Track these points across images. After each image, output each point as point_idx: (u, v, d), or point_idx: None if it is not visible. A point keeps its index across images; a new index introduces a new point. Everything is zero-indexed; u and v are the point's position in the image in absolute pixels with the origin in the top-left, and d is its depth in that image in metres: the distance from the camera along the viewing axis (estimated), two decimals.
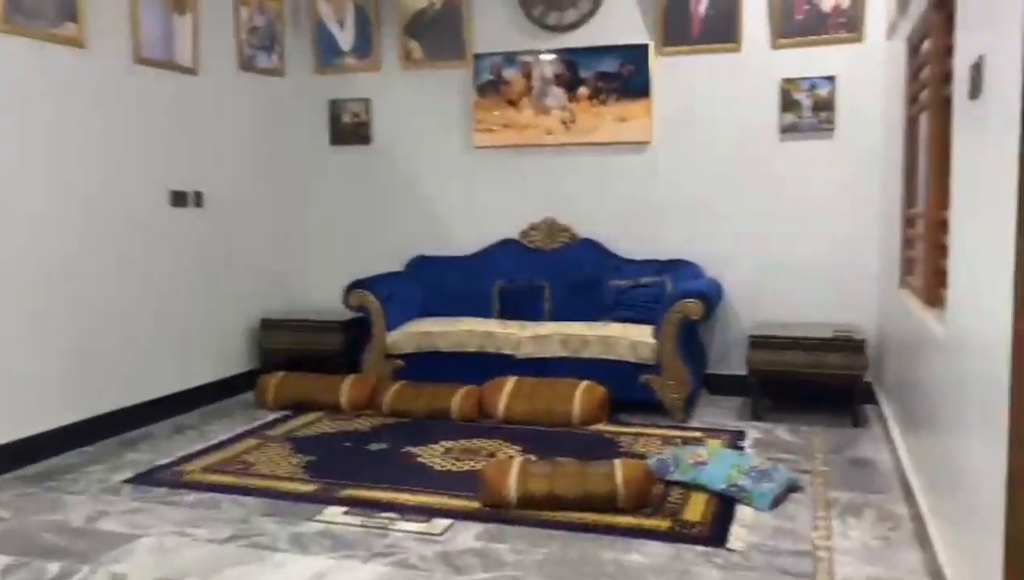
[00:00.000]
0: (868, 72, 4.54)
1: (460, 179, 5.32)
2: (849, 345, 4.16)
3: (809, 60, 4.63)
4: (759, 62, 4.71)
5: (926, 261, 3.02)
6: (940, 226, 2.80)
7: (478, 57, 5.17)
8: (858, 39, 4.53)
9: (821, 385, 4.30)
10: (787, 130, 4.69)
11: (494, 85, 5.16)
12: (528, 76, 5.10)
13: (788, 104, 4.67)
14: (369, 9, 5.35)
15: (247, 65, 5.10)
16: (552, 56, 5.04)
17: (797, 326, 4.51)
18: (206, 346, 4.83)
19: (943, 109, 2.80)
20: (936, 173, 2.95)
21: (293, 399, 4.62)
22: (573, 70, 5.01)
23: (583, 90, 5.00)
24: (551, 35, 5.06)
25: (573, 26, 5.01)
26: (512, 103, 5.14)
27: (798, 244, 4.74)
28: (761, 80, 4.72)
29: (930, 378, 2.79)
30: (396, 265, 5.37)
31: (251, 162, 5.18)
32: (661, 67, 4.86)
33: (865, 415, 4.25)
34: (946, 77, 2.77)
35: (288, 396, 4.64)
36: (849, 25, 4.52)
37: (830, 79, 4.59)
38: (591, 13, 4.96)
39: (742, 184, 4.80)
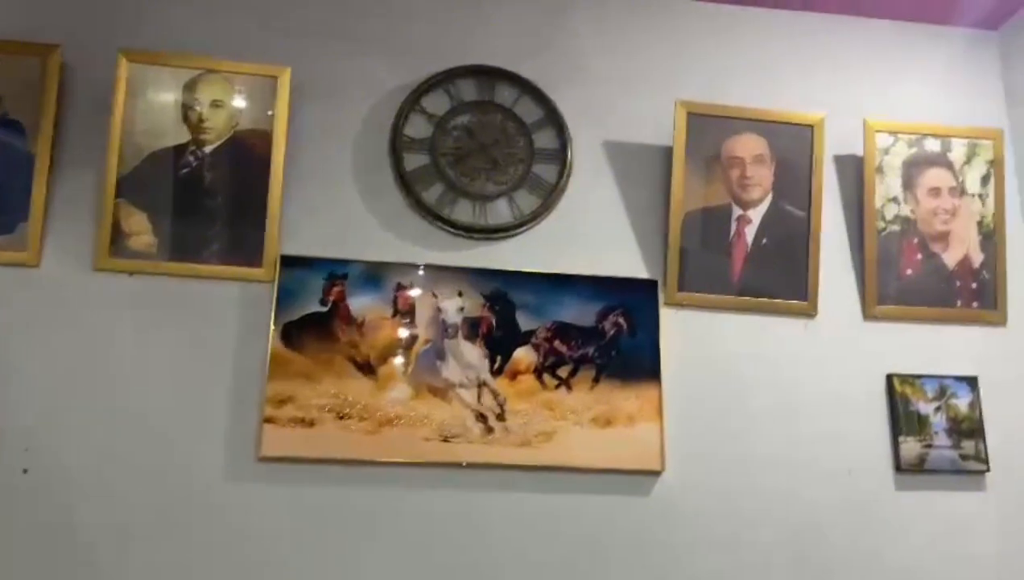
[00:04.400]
0: (1019, 373, 2.65)
1: (218, 540, 2.19)
2: None
3: (932, 345, 2.62)
4: (847, 339, 2.58)
5: None
6: None
7: (292, 263, 2.38)
8: (1000, 321, 2.67)
9: None
10: (909, 469, 2.50)
11: (322, 324, 2.35)
12: (409, 314, 2.40)
13: (908, 421, 2.55)
14: (31, 134, 2.36)
15: None
16: (461, 281, 2.45)
17: None
18: None
19: None
20: None
21: None
22: (505, 313, 2.44)
23: (525, 354, 2.41)
24: (461, 242, 2.51)
25: (505, 231, 2.52)
26: (364, 366, 2.34)
27: None
28: (853, 371, 2.56)
29: None
30: None
31: None
32: (676, 326, 2.52)
33: None
34: None
35: None
36: (984, 297, 2.68)
37: (970, 382, 2.60)
38: (540, 213, 2.55)
39: (831, 566, 2.41)
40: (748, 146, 2.60)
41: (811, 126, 2.63)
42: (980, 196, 2.69)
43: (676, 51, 2.73)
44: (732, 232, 2.57)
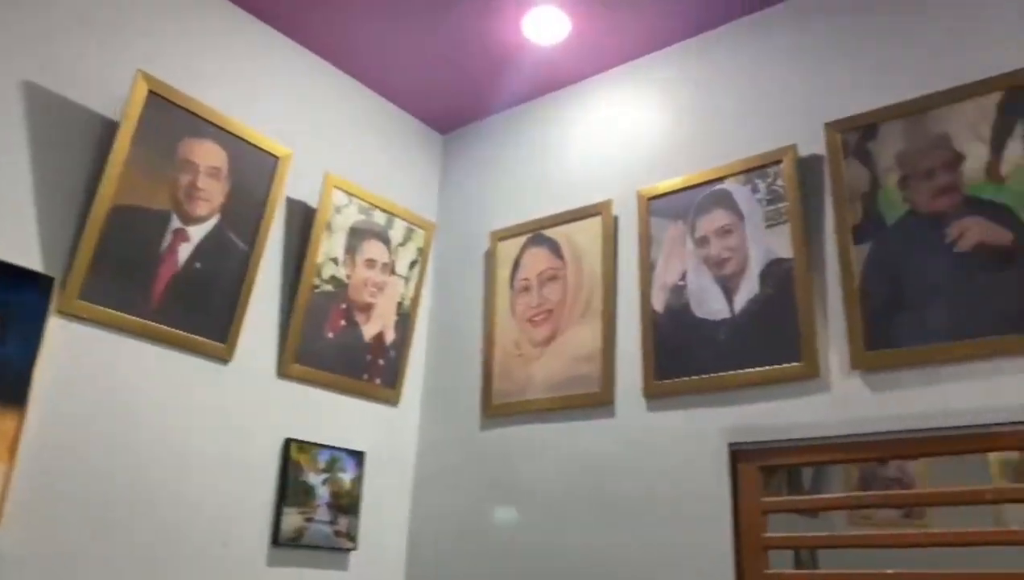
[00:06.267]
0: (403, 457, 2.72)
1: None
2: None
3: (335, 414, 2.52)
4: (257, 394, 2.33)
5: None
6: None
7: None
8: (394, 400, 2.72)
9: None
10: (286, 543, 2.31)
11: None
12: None
13: (295, 491, 2.36)
14: None
15: None
16: None
17: None
18: None
19: None
20: None
21: None
22: None
23: None
24: None
25: None
26: None
27: None
28: (259, 430, 2.31)
29: None
30: None
31: None
32: (65, 342, 1.93)
33: None
34: None
35: None
36: (387, 375, 2.70)
37: (358, 457, 2.56)
38: None
39: None
40: (207, 154, 2.24)
41: (277, 158, 2.40)
42: (406, 279, 2.79)
43: (148, 21, 2.24)
44: (165, 245, 2.15)
